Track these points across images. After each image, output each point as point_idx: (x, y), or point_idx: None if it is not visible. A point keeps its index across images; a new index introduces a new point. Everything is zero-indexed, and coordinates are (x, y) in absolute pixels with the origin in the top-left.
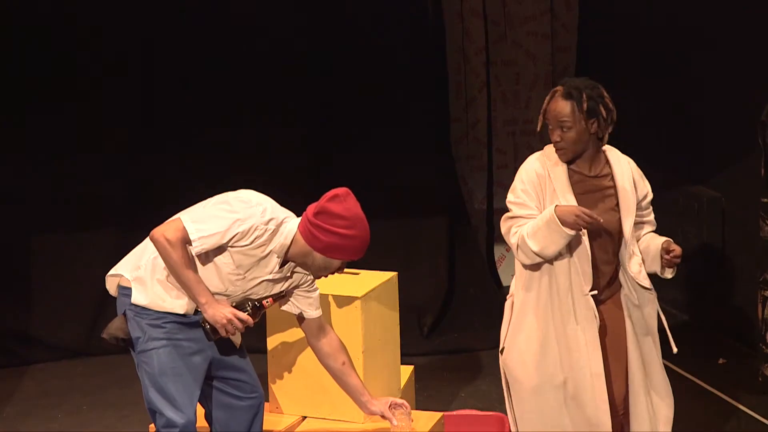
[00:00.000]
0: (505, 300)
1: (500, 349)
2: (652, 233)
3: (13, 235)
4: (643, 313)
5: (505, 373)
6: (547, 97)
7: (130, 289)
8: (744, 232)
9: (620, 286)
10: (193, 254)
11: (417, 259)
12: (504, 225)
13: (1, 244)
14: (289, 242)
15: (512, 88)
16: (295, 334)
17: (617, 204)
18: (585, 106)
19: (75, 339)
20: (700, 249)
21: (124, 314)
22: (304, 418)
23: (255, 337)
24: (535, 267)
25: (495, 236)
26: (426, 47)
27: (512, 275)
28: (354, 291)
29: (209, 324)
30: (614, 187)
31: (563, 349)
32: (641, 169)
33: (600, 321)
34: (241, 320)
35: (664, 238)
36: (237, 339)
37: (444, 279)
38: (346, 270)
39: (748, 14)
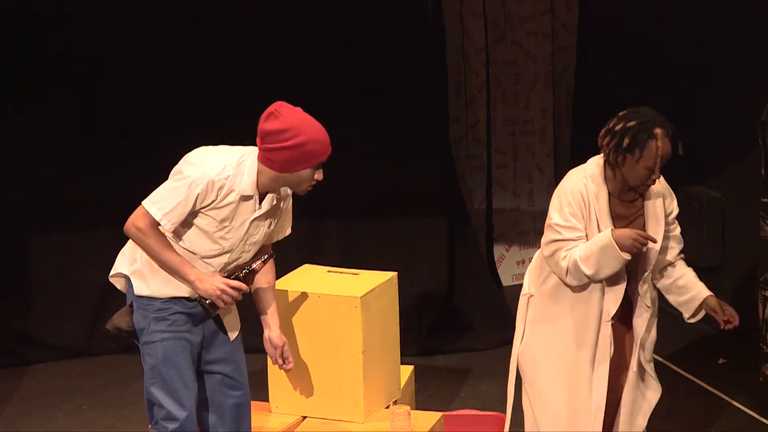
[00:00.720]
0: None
1: (520, 341)
2: (692, 274)
3: (13, 235)
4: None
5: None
6: (653, 143)
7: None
8: (744, 232)
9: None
10: (168, 231)
11: (417, 259)
12: (548, 248)
13: (1, 244)
14: (255, 177)
15: (512, 88)
16: (296, 333)
17: (644, 225)
18: None
19: (75, 339)
20: (700, 249)
21: (131, 306)
22: (304, 418)
23: (255, 336)
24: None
25: (495, 236)
26: (426, 47)
27: (520, 272)
28: (354, 291)
29: (206, 299)
30: (642, 207)
31: (572, 373)
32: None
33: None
34: (235, 288)
35: (706, 291)
36: (234, 322)
37: (444, 279)
38: (345, 270)
39: (748, 14)
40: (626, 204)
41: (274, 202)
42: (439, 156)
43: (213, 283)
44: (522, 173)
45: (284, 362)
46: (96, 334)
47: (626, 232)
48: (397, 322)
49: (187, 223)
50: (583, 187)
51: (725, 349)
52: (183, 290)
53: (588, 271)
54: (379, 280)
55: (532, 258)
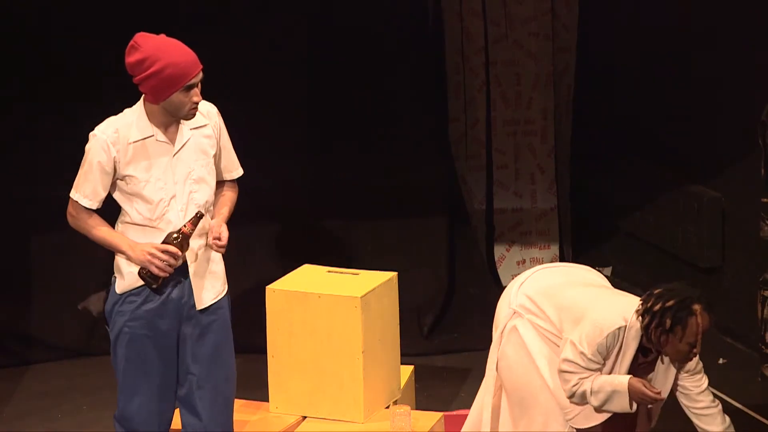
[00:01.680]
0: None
1: (498, 347)
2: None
3: (13, 235)
4: None
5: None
6: (693, 320)
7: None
8: (744, 232)
9: None
10: (92, 207)
11: (417, 259)
12: (565, 365)
13: (1, 244)
14: (145, 117)
15: (513, 88)
16: (296, 333)
17: (655, 370)
18: None
19: (75, 339)
20: (700, 249)
21: (107, 293)
22: (304, 418)
23: (255, 336)
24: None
25: (495, 236)
26: (426, 47)
27: (521, 272)
28: (354, 291)
29: (145, 270)
30: (656, 361)
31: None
32: (640, 167)
33: None
34: (165, 251)
35: None
36: (210, 288)
37: (444, 279)
38: (345, 270)
39: (749, 14)
40: (645, 360)
41: (190, 135)
42: (439, 156)
43: (143, 249)
44: (524, 174)
45: (218, 240)
46: (96, 334)
47: (638, 389)
48: (397, 322)
49: (125, 197)
50: (619, 333)
51: (725, 349)
52: None
53: (593, 403)
54: (379, 280)
55: (532, 258)
